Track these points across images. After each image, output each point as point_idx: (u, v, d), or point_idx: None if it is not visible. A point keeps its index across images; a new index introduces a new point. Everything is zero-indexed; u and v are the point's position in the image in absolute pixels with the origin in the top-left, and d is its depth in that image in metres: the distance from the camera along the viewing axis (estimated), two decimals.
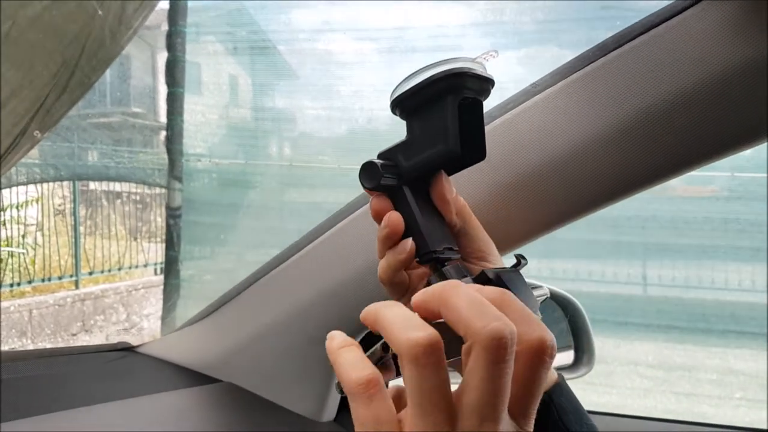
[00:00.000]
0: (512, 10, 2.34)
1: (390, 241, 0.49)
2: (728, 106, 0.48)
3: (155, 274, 4.30)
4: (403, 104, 0.48)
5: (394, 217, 0.48)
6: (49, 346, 3.44)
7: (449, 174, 0.50)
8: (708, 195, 1.89)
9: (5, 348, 3.26)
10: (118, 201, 4.47)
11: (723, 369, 1.99)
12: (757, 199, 1.78)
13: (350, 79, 2.51)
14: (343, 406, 0.80)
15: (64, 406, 0.69)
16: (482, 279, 0.46)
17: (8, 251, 3.50)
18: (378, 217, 0.49)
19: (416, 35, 2.41)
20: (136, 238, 4.44)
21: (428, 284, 0.47)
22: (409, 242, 0.48)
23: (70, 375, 0.79)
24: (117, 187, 4.35)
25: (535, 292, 0.54)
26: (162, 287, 2.64)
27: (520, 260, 0.49)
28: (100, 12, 1.02)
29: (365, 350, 0.38)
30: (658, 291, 2.14)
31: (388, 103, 0.49)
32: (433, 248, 0.48)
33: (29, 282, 3.58)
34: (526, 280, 0.46)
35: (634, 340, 2.11)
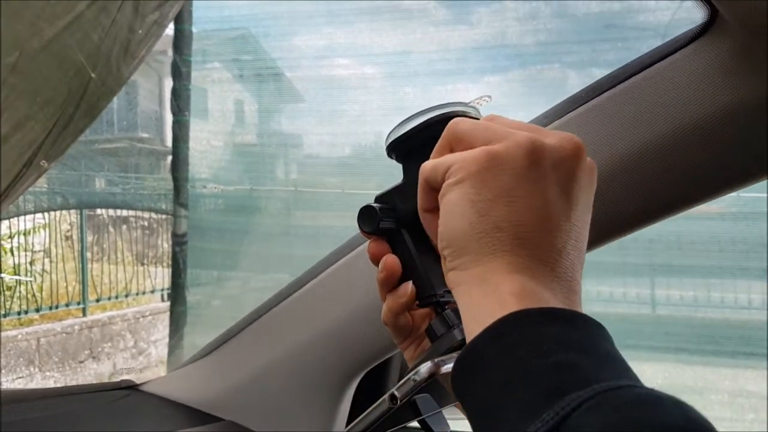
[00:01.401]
0: (514, 33, 2.36)
1: (388, 285, 0.49)
2: (723, 146, 0.48)
3: (162, 300, 4.30)
4: (398, 148, 0.48)
5: (390, 261, 0.48)
6: (56, 374, 3.43)
7: None
8: (713, 215, 1.88)
9: (13, 376, 3.26)
10: (125, 227, 4.48)
11: (734, 390, 1.96)
12: (761, 219, 1.76)
13: (354, 104, 2.53)
14: None
15: None
16: None
17: (16, 279, 3.50)
18: (376, 260, 0.49)
19: (418, 60, 2.42)
20: (143, 263, 4.45)
21: (429, 329, 0.48)
22: (408, 286, 0.48)
23: (73, 415, 0.78)
24: (123, 212, 4.36)
25: None
26: (168, 314, 2.63)
27: None
28: (93, 75, 1.03)
29: (371, 394, 0.38)
30: (666, 311, 2.11)
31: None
32: (432, 291, 0.48)
33: (37, 310, 3.57)
34: None
35: (644, 362, 2.08)
